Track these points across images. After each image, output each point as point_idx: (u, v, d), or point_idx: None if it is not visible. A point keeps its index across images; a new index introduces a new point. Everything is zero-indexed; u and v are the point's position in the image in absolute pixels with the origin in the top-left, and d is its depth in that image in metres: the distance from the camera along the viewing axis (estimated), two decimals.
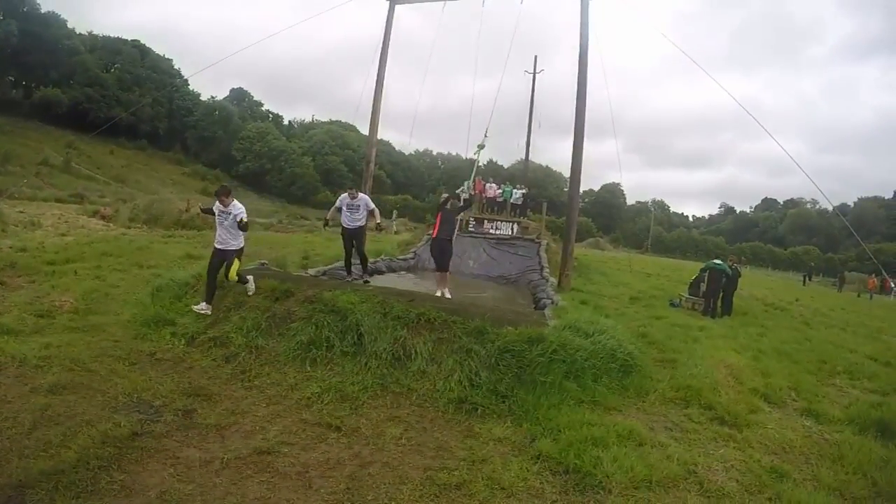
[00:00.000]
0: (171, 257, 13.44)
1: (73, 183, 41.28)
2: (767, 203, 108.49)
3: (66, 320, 7.32)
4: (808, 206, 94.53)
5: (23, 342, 6.15)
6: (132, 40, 75.20)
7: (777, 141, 9.84)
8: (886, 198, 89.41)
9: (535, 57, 29.97)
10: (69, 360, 5.70)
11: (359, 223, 10.03)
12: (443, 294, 9.41)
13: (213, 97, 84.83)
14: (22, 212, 19.88)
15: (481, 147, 15.98)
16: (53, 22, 64.07)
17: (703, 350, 8.68)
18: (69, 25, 68.47)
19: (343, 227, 10.11)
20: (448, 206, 10.34)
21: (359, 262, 10.42)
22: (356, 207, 9.94)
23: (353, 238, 10.08)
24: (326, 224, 12.13)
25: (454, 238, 10.34)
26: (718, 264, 14.52)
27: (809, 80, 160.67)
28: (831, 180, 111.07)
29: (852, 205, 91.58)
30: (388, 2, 16.84)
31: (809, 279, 44.82)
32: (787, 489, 4.41)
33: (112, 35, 74.70)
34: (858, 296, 35.26)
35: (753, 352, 9.43)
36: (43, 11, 63.18)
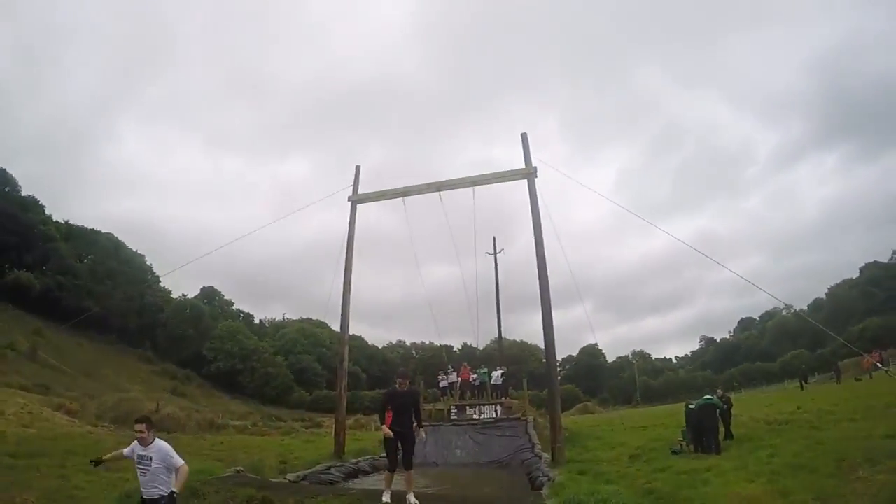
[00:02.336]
0: None
1: (39, 372, 40.54)
2: (745, 323, 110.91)
3: None
4: (784, 313, 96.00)
5: None
6: (106, 233, 77.13)
7: (728, 268, 10.14)
8: (854, 277, 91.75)
9: (494, 238, 32.24)
10: None
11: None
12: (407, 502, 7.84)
13: (184, 295, 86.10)
14: None
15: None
16: (31, 206, 66.00)
17: (716, 490, 8.45)
18: (46, 212, 70.40)
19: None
20: (398, 387, 8.29)
21: None
22: (146, 461, 5.51)
23: None
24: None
25: (421, 429, 8.54)
26: (709, 399, 14.52)
27: (753, 198, 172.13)
28: (799, 280, 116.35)
29: (825, 297, 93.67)
30: (350, 202, 18.21)
31: (806, 382, 44.41)
32: None
33: (88, 226, 76.91)
34: (857, 380, 34.73)
35: (767, 475, 9.16)
36: (23, 194, 65.76)
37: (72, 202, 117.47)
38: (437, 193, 17.32)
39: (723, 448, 13.59)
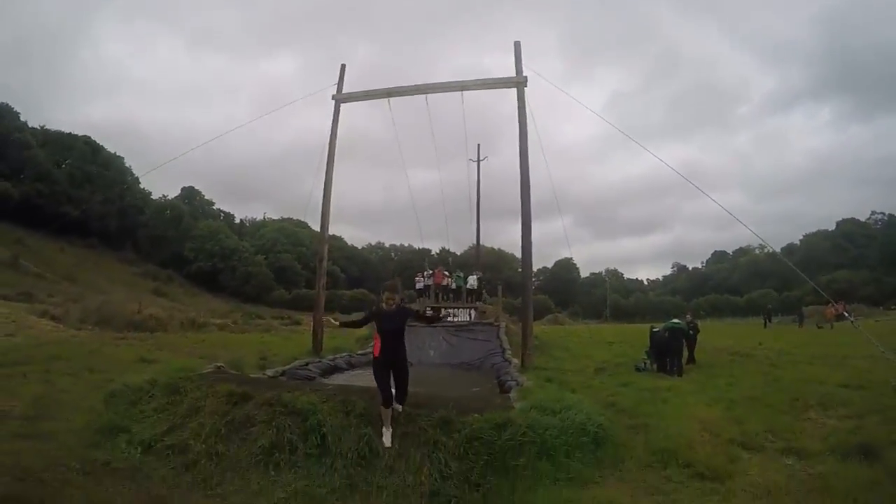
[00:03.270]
0: (124, 361, 12.99)
1: (22, 280, 40.33)
2: (718, 256, 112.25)
3: (14, 427, 6.97)
4: (758, 252, 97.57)
5: None
6: (83, 136, 75.03)
7: (712, 198, 10.23)
8: (830, 230, 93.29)
9: (479, 145, 31.67)
10: (19, 469, 5.37)
11: None
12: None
13: (164, 196, 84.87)
14: None
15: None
16: (5, 113, 63.91)
17: (675, 409, 8.70)
18: (21, 118, 68.30)
19: None
20: (385, 305, 6.68)
21: None
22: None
23: None
24: None
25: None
26: (676, 323, 14.74)
27: (742, 136, 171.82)
28: (776, 224, 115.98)
29: (799, 243, 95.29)
30: (334, 101, 17.60)
31: (769, 321, 45.56)
32: None
33: (64, 130, 74.78)
34: (819, 327, 36.17)
35: (725, 402, 9.47)
36: None
37: (48, 108, 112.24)
38: (423, 97, 16.89)
39: (684, 371, 13.92)
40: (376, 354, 6.54)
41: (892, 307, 58.01)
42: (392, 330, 6.55)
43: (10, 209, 59.40)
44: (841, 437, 6.75)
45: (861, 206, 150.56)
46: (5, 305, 24.22)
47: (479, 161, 31.41)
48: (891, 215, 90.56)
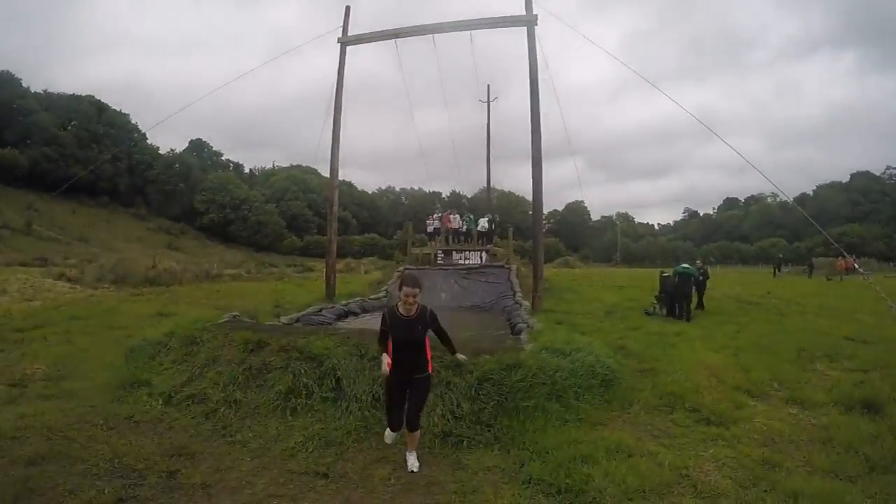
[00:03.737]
0: (142, 316, 13.17)
1: (36, 245, 40.78)
2: (729, 202, 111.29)
3: (39, 388, 7.13)
4: (770, 200, 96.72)
5: None
6: (87, 96, 74.74)
7: (727, 143, 10.08)
8: (844, 182, 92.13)
9: (488, 86, 31.25)
10: (46, 429, 5.54)
11: None
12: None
13: (172, 150, 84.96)
14: None
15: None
16: (6, 82, 63.65)
17: (682, 354, 8.84)
18: (24, 85, 68.00)
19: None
20: (402, 308, 4.94)
21: None
22: None
23: None
24: None
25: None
26: (686, 268, 14.77)
27: (759, 83, 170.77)
28: (789, 174, 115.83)
29: (812, 194, 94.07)
30: (340, 44, 17.29)
31: (779, 270, 45.72)
32: (781, 478, 4.47)
33: (67, 92, 74.65)
34: (828, 279, 36.16)
35: (732, 349, 9.59)
36: None
37: (49, 71, 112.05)
38: (431, 38, 16.58)
39: (693, 317, 14.09)
40: (387, 369, 4.78)
41: None
42: (411, 340, 4.91)
43: (20, 176, 59.82)
44: (845, 389, 6.82)
45: (876, 159, 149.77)
46: (23, 271, 24.50)
47: (488, 102, 31.15)
48: None
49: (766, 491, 4.31)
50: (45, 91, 72.63)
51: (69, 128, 70.83)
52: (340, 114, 17.32)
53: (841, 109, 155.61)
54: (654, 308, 15.10)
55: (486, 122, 31.26)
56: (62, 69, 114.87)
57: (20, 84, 67.58)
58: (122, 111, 78.57)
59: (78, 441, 5.34)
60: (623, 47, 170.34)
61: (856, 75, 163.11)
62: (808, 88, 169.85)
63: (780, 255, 57.55)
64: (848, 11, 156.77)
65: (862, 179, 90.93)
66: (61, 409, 6.19)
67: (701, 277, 15.38)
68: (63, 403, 6.46)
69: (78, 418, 5.95)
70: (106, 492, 4.30)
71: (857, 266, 21.16)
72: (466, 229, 23.89)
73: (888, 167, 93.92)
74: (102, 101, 76.31)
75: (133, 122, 79.58)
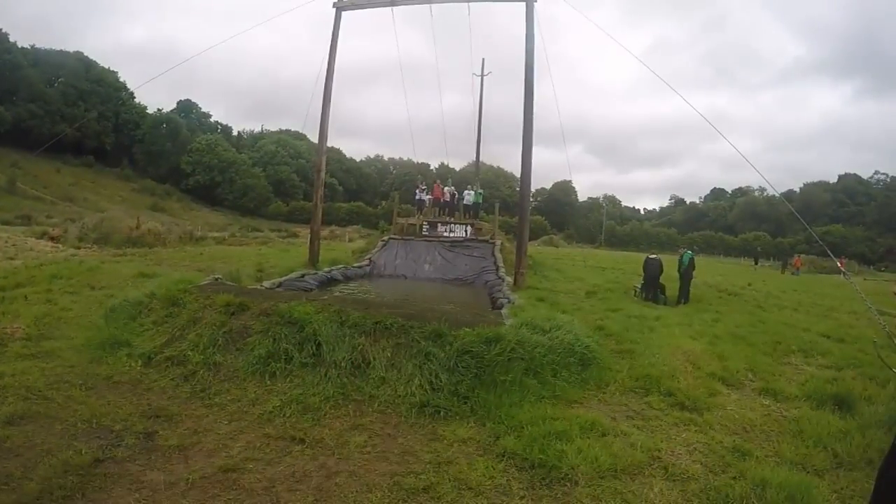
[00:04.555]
0: (123, 277, 13.04)
1: (20, 204, 40.28)
2: (716, 193, 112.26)
3: (18, 348, 7.02)
4: (757, 194, 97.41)
5: None
6: (75, 52, 73.38)
7: (723, 135, 10.14)
8: (831, 182, 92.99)
9: (483, 59, 31.09)
10: (24, 388, 5.50)
11: None
12: None
13: (159, 110, 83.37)
14: None
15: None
16: None
17: (660, 339, 8.93)
18: (10, 39, 66.50)
19: None
20: None
21: None
22: None
23: None
24: None
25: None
26: (689, 254, 15.08)
27: (765, 95, 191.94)
28: (780, 173, 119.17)
29: (798, 191, 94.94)
30: (335, 9, 17.01)
31: (756, 263, 46.67)
32: (750, 467, 4.53)
33: (55, 48, 73.10)
34: (783, 273, 39.25)
35: (709, 337, 9.67)
36: None
37: (36, 26, 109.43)
38: (427, 7, 16.42)
39: (670, 303, 14.31)
40: None
41: (883, 268, 58.97)
42: None
43: (4, 133, 58.63)
44: (818, 385, 6.89)
45: (864, 168, 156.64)
46: (5, 230, 24.21)
47: (482, 75, 31.35)
48: (893, 178, 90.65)
49: (734, 478, 4.38)
50: (31, 46, 71.04)
51: (56, 84, 69.52)
52: (332, 80, 17.14)
53: (835, 122, 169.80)
54: (636, 291, 15.28)
55: (480, 99, 31.33)
56: (48, 24, 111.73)
57: (7, 38, 65.94)
58: (111, 69, 77.27)
59: (56, 401, 5.32)
60: (651, 50, 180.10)
61: (853, 95, 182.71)
62: (809, 103, 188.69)
63: (759, 248, 58.42)
64: (851, 44, 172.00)
65: (849, 181, 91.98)
66: (40, 369, 6.15)
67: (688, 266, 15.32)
68: (42, 363, 6.41)
69: (57, 378, 5.92)
70: (83, 452, 4.29)
71: (843, 269, 21.38)
72: (473, 202, 23.96)
73: (876, 171, 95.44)
74: (90, 57, 75.02)
75: (121, 79, 78.19)
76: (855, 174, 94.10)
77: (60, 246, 20.96)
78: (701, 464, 4.65)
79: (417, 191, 24.87)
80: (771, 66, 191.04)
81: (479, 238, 20.65)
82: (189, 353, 6.56)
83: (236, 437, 4.84)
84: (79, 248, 20.92)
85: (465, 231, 21.24)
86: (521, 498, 4.04)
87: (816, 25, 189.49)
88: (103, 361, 6.55)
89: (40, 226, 26.94)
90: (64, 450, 4.32)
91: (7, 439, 4.45)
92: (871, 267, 61.11)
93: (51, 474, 3.94)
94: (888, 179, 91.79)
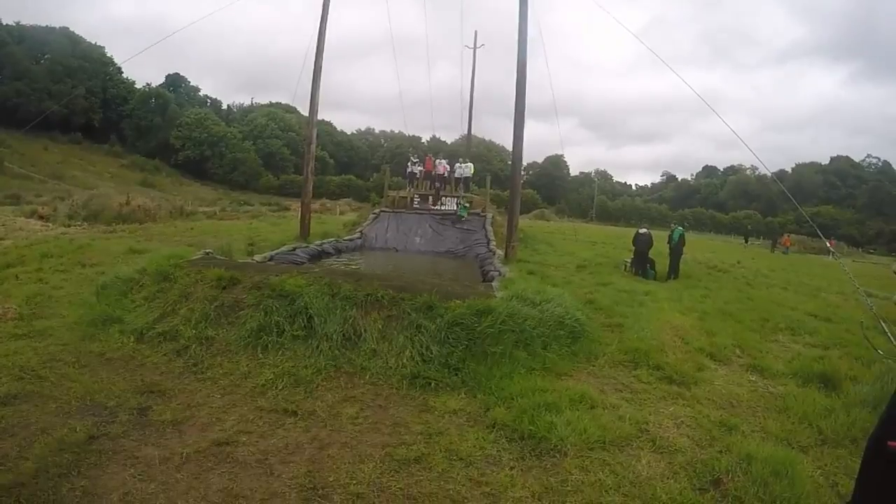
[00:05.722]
0: (114, 253, 12.96)
1: (8, 183, 39.79)
2: (708, 170, 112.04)
3: (10, 328, 6.99)
4: (749, 172, 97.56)
5: None
6: (62, 28, 72.20)
7: (716, 112, 10.13)
8: (823, 163, 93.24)
9: (476, 32, 31.12)
10: (18, 368, 5.49)
11: None
12: None
13: (148, 84, 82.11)
14: None
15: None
16: None
17: (650, 313, 9.01)
18: None
19: None
20: None
21: None
22: None
23: None
24: None
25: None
26: (679, 230, 15.17)
27: (762, 76, 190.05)
28: (773, 153, 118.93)
29: (790, 171, 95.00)
30: None
31: (746, 241, 47.07)
32: (737, 441, 4.61)
33: (41, 24, 71.66)
34: (772, 252, 39.68)
35: (698, 313, 9.77)
36: None
37: (22, 3, 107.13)
38: None
39: (660, 278, 14.38)
40: None
41: (871, 251, 59.54)
42: None
43: None
44: (804, 363, 7.00)
45: (857, 152, 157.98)
46: None
47: (475, 48, 31.42)
48: (886, 162, 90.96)
49: (720, 451, 4.46)
50: (17, 23, 69.68)
51: (42, 61, 68.45)
52: (323, 52, 16.99)
53: (830, 105, 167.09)
54: (626, 265, 15.36)
55: (480, 80, 31.50)
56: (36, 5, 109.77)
57: None
58: (98, 44, 76.15)
59: (50, 379, 5.32)
60: (644, 28, 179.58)
61: (849, 79, 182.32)
62: (804, 85, 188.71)
63: (749, 226, 58.82)
64: (850, 28, 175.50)
65: (842, 163, 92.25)
66: (33, 348, 6.15)
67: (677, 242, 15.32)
68: (35, 342, 6.40)
69: (50, 357, 5.92)
70: (78, 430, 4.31)
71: (831, 249, 21.53)
72: (467, 176, 23.83)
73: (868, 155, 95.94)
74: (77, 32, 73.87)
75: (109, 54, 77.13)
76: (847, 157, 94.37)
77: (50, 224, 20.76)
78: (688, 437, 4.73)
79: (409, 164, 24.75)
80: (768, 47, 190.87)
81: (471, 211, 20.68)
82: (181, 327, 6.56)
83: (229, 411, 4.87)
84: (69, 226, 20.73)
85: (457, 204, 21.20)
86: (511, 468, 4.10)
87: (815, 7, 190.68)
88: (96, 338, 6.54)
89: (29, 205, 26.56)
90: (58, 428, 4.33)
91: (2, 419, 4.46)
92: (860, 249, 61.67)
93: (46, 452, 3.96)
94: (880, 163, 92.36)
